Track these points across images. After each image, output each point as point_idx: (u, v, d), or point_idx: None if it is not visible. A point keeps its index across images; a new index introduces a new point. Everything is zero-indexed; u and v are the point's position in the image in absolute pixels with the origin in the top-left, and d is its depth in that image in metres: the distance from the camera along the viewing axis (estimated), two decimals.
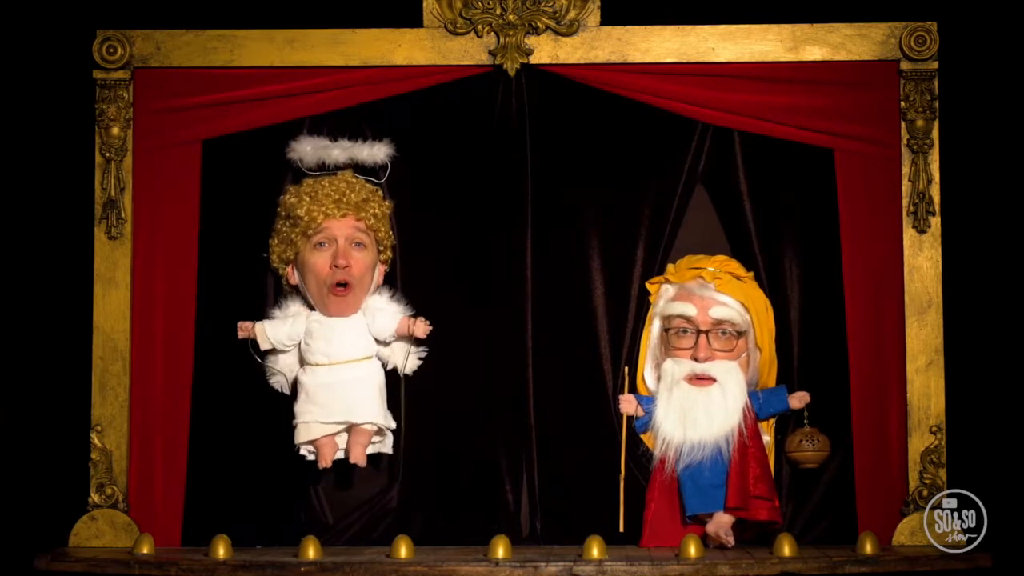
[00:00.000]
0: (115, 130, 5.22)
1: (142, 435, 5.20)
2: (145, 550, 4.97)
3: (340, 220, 5.15)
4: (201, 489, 5.20)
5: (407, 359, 5.21)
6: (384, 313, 5.18)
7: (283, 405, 5.20)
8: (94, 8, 5.48)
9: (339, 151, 5.23)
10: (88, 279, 5.23)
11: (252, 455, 5.22)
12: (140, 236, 5.23)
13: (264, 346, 5.17)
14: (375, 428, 5.13)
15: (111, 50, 5.22)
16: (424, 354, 5.22)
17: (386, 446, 5.19)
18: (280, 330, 5.17)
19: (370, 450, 5.15)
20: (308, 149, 5.23)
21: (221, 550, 4.85)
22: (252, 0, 5.55)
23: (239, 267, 5.28)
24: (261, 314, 5.23)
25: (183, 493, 5.20)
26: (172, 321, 5.22)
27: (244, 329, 5.17)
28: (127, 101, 5.23)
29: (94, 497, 5.18)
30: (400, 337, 5.19)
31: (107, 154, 5.22)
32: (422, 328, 5.14)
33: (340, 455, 5.14)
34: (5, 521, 5.66)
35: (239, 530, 5.01)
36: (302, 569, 4.77)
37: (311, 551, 4.84)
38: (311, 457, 5.13)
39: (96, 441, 5.18)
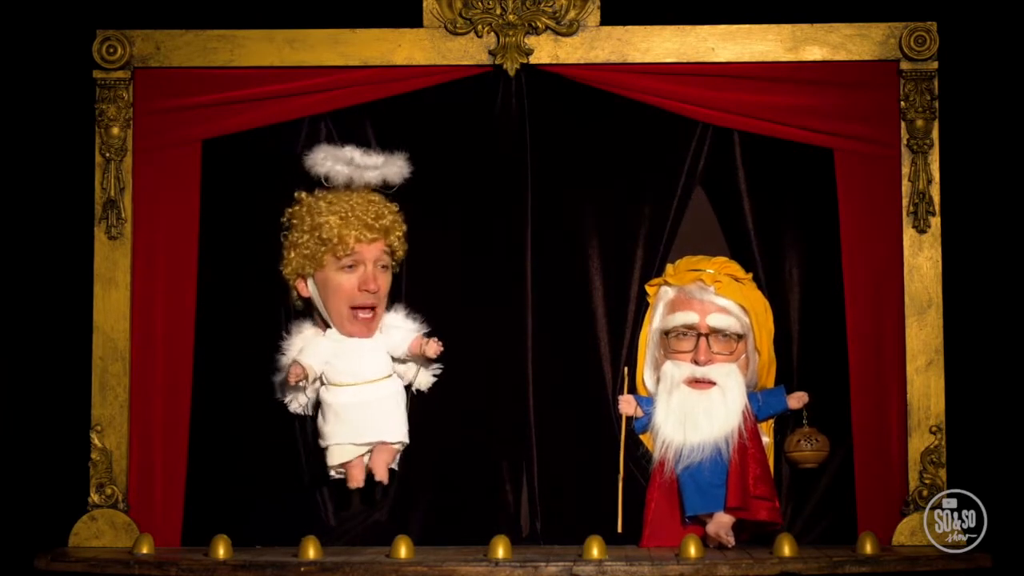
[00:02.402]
0: (115, 130, 5.22)
1: (142, 435, 5.20)
2: (145, 550, 4.97)
3: (370, 244, 5.12)
4: (201, 489, 5.20)
5: (416, 375, 5.18)
6: (400, 331, 5.14)
7: (283, 405, 5.20)
8: (94, 8, 5.48)
9: (373, 173, 5.12)
10: (88, 279, 5.23)
11: (252, 455, 5.21)
12: (140, 236, 5.23)
13: (312, 377, 5.10)
14: (401, 447, 5.13)
15: (111, 50, 5.22)
16: (439, 371, 5.20)
17: (396, 460, 5.18)
18: (314, 358, 5.09)
19: None
20: (344, 170, 5.10)
21: (221, 550, 4.85)
22: (252, 0, 5.55)
23: (239, 267, 5.27)
24: (261, 313, 5.22)
25: (183, 493, 5.19)
26: (172, 321, 5.21)
27: (297, 374, 5.03)
28: (127, 101, 5.23)
29: (94, 497, 5.17)
30: (412, 356, 5.16)
31: (107, 154, 5.22)
32: (434, 348, 5.09)
33: None
34: (5, 521, 5.66)
35: (239, 530, 5.01)
36: (302, 569, 4.77)
37: (311, 551, 4.83)
38: (339, 477, 5.10)
39: (96, 441, 5.18)
